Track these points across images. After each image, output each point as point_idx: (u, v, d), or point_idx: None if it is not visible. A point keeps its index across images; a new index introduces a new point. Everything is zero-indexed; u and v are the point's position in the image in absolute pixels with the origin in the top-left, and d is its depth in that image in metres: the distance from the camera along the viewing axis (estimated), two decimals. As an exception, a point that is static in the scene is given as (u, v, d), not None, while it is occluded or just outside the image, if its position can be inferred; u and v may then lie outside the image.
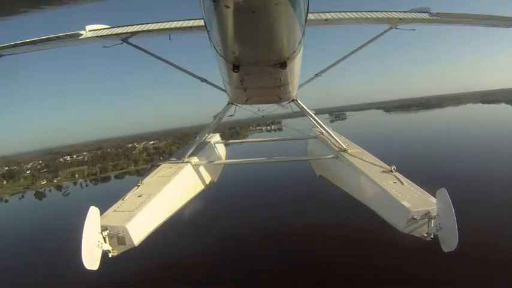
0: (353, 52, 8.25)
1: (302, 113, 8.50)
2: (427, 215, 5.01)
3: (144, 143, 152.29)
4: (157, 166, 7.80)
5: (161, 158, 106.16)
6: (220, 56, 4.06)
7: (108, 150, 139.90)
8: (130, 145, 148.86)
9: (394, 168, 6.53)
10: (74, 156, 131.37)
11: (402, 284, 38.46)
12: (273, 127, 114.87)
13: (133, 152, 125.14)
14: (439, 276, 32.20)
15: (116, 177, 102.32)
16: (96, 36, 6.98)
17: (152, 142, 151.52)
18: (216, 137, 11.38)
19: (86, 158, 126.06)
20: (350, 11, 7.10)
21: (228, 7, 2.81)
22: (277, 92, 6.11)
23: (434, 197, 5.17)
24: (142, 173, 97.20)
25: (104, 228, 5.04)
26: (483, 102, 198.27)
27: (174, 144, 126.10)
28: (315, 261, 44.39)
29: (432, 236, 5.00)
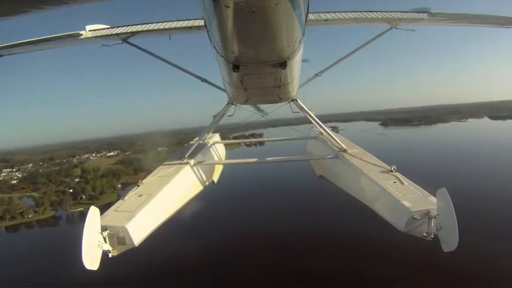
0: (353, 52, 8.24)
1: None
2: (427, 215, 4.99)
3: (101, 154, 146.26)
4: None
5: (80, 197, 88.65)
6: (221, 56, 4.06)
7: (57, 161, 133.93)
8: (86, 155, 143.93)
9: (394, 168, 6.52)
10: (14, 170, 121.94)
11: (402, 285, 38.79)
12: (246, 141, 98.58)
13: (71, 173, 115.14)
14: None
15: (8, 229, 74.79)
16: (96, 36, 6.96)
17: (111, 154, 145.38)
18: (215, 137, 11.37)
19: (22, 174, 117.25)
20: (350, 11, 7.09)
21: (228, 7, 2.81)
22: (277, 92, 6.10)
23: (435, 196, 5.16)
24: (46, 224, 75.79)
25: (104, 228, 5.03)
26: (491, 118, 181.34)
27: (121, 165, 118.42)
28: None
29: (432, 236, 4.98)
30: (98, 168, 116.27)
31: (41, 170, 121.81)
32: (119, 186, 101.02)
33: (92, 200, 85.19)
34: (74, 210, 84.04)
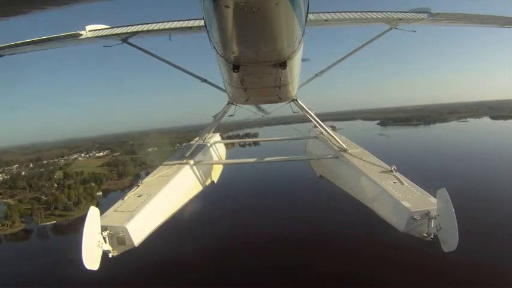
0: (353, 52, 8.24)
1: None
2: (427, 215, 5.00)
3: (89, 154, 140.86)
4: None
5: (54, 208, 77.12)
6: (221, 56, 4.06)
7: (44, 161, 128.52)
8: (75, 155, 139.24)
9: (394, 168, 6.53)
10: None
11: (402, 284, 38.86)
12: (246, 141, 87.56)
13: (52, 176, 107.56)
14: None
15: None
16: (96, 36, 6.95)
17: (100, 154, 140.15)
18: (216, 137, 11.37)
19: (3, 177, 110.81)
20: (350, 11, 7.09)
21: (228, 7, 2.81)
22: (277, 92, 6.09)
23: (435, 197, 5.17)
24: (16, 238, 67.63)
25: (104, 229, 5.03)
26: (492, 117, 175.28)
27: (107, 167, 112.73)
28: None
29: (432, 236, 4.99)
30: (81, 172, 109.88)
31: (24, 173, 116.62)
32: (99, 194, 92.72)
33: (66, 211, 79.17)
34: (46, 223, 74.69)
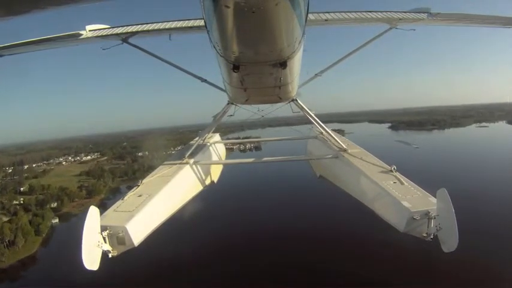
0: (353, 52, 8.24)
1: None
2: (427, 215, 4.99)
3: (76, 158, 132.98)
4: None
5: None
6: (221, 56, 4.06)
7: (25, 167, 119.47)
8: (61, 159, 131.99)
9: (394, 168, 6.51)
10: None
11: (402, 285, 38.86)
12: (248, 146, 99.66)
13: (17, 189, 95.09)
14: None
15: None
16: (96, 36, 6.95)
17: (88, 158, 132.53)
18: (215, 137, 11.37)
19: None
20: (350, 11, 7.10)
21: (228, 7, 2.81)
22: (277, 92, 6.08)
23: (435, 197, 5.16)
24: None
25: (103, 228, 5.03)
26: (509, 122, 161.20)
27: (84, 178, 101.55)
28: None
29: (432, 236, 4.98)
30: (48, 186, 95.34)
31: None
32: (56, 221, 74.78)
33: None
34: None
